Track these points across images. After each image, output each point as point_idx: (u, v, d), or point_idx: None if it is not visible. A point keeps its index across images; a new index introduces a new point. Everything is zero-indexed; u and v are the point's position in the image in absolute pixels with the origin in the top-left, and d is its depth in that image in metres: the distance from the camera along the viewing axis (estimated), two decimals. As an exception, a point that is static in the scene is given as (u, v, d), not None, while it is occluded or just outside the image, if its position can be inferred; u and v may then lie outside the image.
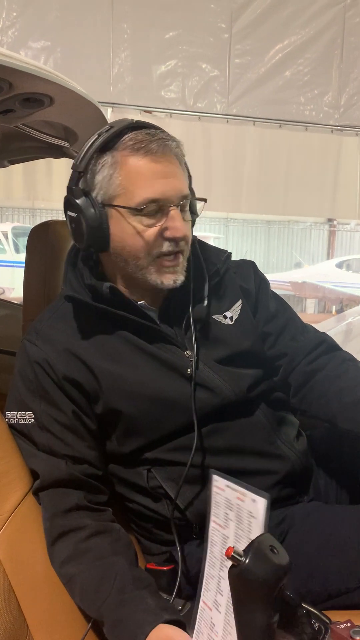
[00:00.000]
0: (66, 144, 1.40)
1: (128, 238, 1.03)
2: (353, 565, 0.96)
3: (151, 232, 1.02)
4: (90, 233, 1.03)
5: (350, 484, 1.21)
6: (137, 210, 1.00)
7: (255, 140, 4.43)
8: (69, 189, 1.05)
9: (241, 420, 1.13)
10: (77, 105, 1.15)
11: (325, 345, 1.23)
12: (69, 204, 1.05)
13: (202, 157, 4.27)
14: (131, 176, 1.01)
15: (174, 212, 1.02)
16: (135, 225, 1.02)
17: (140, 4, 3.95)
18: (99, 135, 1.03)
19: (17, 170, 4.14)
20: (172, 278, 1.06)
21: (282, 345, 1.22)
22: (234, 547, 0.63)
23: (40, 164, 4.03)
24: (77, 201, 1.03)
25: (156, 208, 1.01)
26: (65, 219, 1.10)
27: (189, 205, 1.08)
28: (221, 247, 1.25)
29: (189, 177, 1.10)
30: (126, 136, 1.02)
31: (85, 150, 1.03)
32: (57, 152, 1.48)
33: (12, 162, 1.63)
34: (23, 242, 9.50)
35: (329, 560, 0.99)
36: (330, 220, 12.66)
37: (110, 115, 3.87)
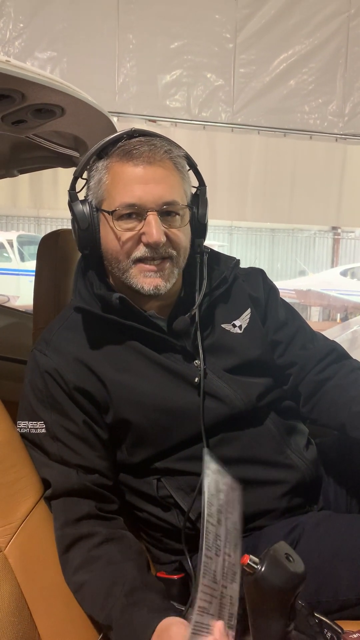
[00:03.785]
0: (76, 154, 1.41)
1: (110, 242, 1.06)
2: (364, 575, 0.96)
3: (127, 237, 1.04)
4: (80, 236, 1.07)
5: (360, 493, 1.21)
6: (115, 213, 1.03)
7: (260, 149, 4.44)
8: (69, 192, 1.09)
9: (251, 429, 1.13)
10: (87, 115, 1.16)
11: (335, 354, 1.22)
12: (69, 208, 1.09)
13: (207, 166, 4.27)
14: (114, 181, 1.04)
15: (151, 217, 1.02)
16: (115, 229, 1.04)
17: (146, 14, 3.97)
18: (99, 143, 1.06)
19: (23, 179, 4.16)
20: (153, 284, 1.05)
21: (292, 354, 1.21)
22: (249, 555, 0.64)
23: (47, 173, 4.04)
24: (72, 205, 1.08)
25: (133, 212, 1.03)
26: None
27: (184, 210, 1.07)
28: (225, 255, 1.25)
29: (201, 185, 1.12)
30: (120, 143, 1.04)
31: (86, 157, 1.08)
32: (67, 162, 1.49)
33: (22, 172, 1.65)
34: (28, 250, 9.59)
35: (340, 570, 0.98)
36: (334, 228, 12.66)
37: (115, 124, 3.88)
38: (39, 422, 1.06)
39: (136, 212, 1.03)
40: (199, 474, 1.06)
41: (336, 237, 13.22)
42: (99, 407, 1.07)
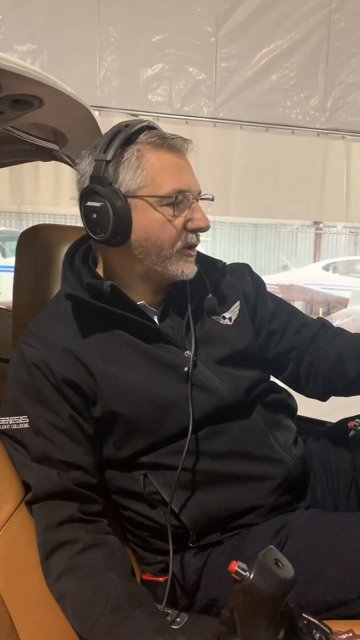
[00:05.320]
0: (56, 147, 1.38)
1: (155, 228, 1.05)
2: (353, 574, 0.94)
3: (177, 222, 1.05)
4: (116, 222, 1.03)
5: (348, 490, 1.20)
6: (167, 199, 1.04)
7: (242, 143, 4.44)
8: (94, 177, 1.04)
9: (238, 422, 1.11)
10: (67, 107, 1.13)
11: (325, 329, 1.27)
12: (92, 193, 1.05)
13: (189, 160, 4.25)
14: (157, 168, 1.04)
15: (197, 204, 1.07)
16: (161, 215, 1.04)
17: (127, 7, 3.94)
18: (119, 131, 1.05)
19: (3, 173, 4.10)
20: (191, 268, 1.09)
21: (289, 340, 1.25)
22: (237, 562, 0.62)
23: (27, 167, 3.99)
24: (105, 190, 1.03)
25: (182, 199, 1.05)
26: (56, 222, 1.10)
27: None
28: (208, 250, 1.27)
29: None
30: (147, 132, 1.06)
31: (107, 141, 1.04)
32: (47, 156, 1.46)
33: (1, 166, 1.61)
34: (10, 246, 9.49)
35: (328, 569, 0.97)
36: (316, 223, 12.72)
37: (97, 119, 3.84)
38: (21, 417, 1.02)
39: (182, 200, 1.05)
40: (185, 469, 1.05)
41: (318, 232, 13.28)
42: (87, 399, 1.05)
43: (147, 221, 1.04)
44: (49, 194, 4.28)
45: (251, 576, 0.60)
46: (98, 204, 1.04)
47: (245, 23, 4.20)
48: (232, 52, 4.23)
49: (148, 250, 1.06)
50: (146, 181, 1.04)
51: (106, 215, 1.03)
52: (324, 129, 4.50)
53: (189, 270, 1.09)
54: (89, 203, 1.05)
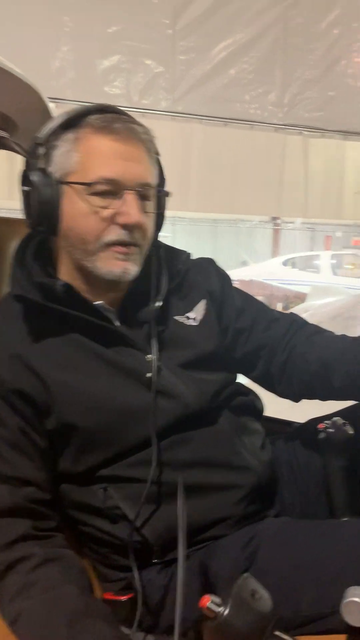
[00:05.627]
0: (5, 134, 1.29)
1: (78, 218, 0.96)
2: (327, 588, 0.89)
3: (102, 215, 0.95)
4: (40, 209, 0.96)
5: (317, 495, 1.15)
6: (88, 187, 0.94)
7: (201, 138, 4.40)
8: (27, 161, 0.98)
9: (204, 429, 1.05)
10: (15, 90, 1.05)
11: (295, 325, 1.20)
12: (24, 178, 0.98)
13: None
14: (90, 153, 0.95)
15: (130, 196, 0.95)
16: (87, 204, 0.95)
17: (81, -4, 3.84)
18: (65, 113, 0.98)
19: None
20: (122, 266, 0.98)
21: (258, 338, 1.18)
22: (210, 596, 0.55)
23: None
24: (31, 174, 0.96)
25: (111, 189, 0.95)
26: (9, 215, 1.03)
27: (154, 197, 1.02)
28: (169, 246, 1.19)
29: (162, 175, 1.08)
30: (92, 115, 0.97)
31: (48, 125, 0.98)
32: (-5, 144, 1.37)
33: None
34: None
35: (301, 583, 0.91)
36: (274, 218, 12.83)
37: (54, 110, 3.73)
38: None
39: (112, 190, 0.95)
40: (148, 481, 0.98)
41: (276, 227, 13.41)
42: (38, 411, 0.97)
43: (74, 210, 0.97)
44: (3, 187, 4.13)
45: (225, 612, 0.54)
46: (27, 189, 0.97)
47: (203, 16, 4.15)
48: (190, 45, 4.17)
49: (74, 243, 0.99)
50: (76, 167, 0.96)
51: (32, 202, 0.97)
52: (281, 125, 4.50)
53: (118, 270, 0.98)
54: (22, 187, 0.99)
